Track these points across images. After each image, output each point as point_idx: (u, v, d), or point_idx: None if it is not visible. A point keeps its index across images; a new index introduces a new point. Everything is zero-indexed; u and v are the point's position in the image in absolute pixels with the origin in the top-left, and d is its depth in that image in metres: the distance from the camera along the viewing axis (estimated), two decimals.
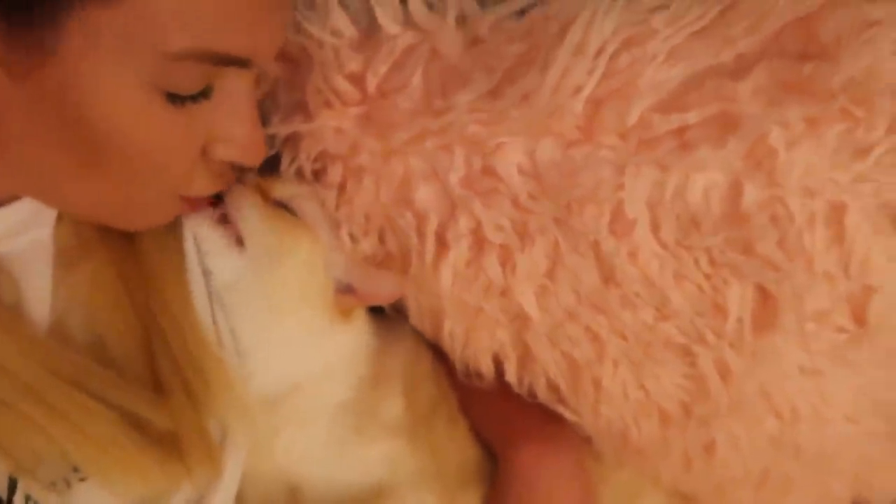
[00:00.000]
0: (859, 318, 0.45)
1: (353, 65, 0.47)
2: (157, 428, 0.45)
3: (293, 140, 0.51)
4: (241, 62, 0.39)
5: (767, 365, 0.46)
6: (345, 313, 0.53)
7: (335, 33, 0.47)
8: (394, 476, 0.53)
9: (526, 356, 0.54)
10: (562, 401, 0.54)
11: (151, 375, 0.48)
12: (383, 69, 0.47)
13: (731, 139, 0.39)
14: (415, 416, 0.56)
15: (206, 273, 0.51)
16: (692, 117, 0.40)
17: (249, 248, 0.49)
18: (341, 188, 0.52)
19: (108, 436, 0.43)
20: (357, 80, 0.47)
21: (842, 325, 0.45)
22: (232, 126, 0.42)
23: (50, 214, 0.47)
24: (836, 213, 0.41)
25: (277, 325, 0.52)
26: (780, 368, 0.47)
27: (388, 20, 0.45)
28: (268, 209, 0.49)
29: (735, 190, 0.41)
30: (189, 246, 0.50)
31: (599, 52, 0.40)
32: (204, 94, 0.39)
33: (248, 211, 0.49)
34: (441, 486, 0.53)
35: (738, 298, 0.44)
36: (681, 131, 0.41)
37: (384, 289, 0.53)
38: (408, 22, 0.46)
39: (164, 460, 0.45)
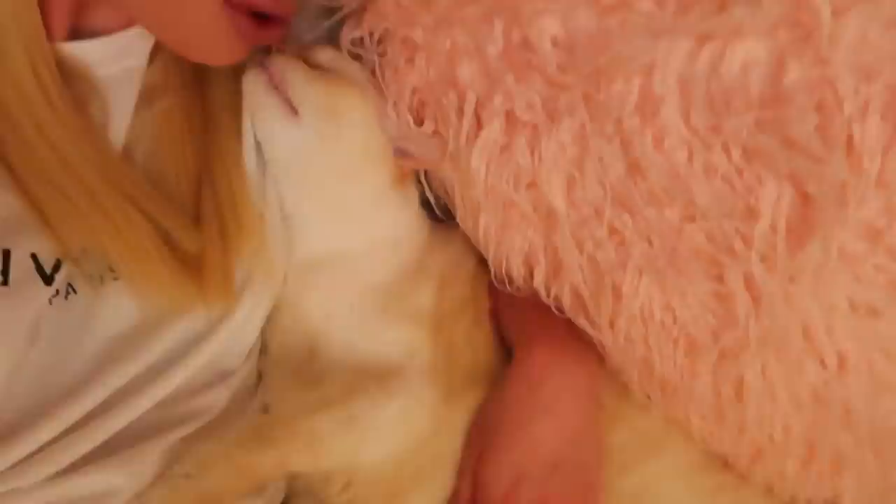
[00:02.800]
0: None
1: None
2: (187, 250, 0.49)
3: (356, 15, 0.53)
4: None
5: (806, 290, 0.41)
6: (401, 179, 0.55)
7: None
8: (406, 361, 0.53)
9: (555, 262, 0.51)
10: (585, 314, 0.51)
11: (194, 212, 0.52)
12: None
13: None
14: (441, 312, 0.56)
15: (260, 142, 0.54)
16: None
17: (305, 115, 0.51)
18: (395, 67, 0.53)
19: (144, 245, 0.48)
20: None
21: None
22: None
23: (144, 47, 0.52)
24: None
25: (339, 186, 0.54)
26: (823, 297, 0.41)
27: None
28: (313, 72, 0.51)
29: (777, 67, 0.37)
30: (246, 115, 0.54)
31: None
32: None
33: (294, 75, 0.50)
34: (446, 381, 0.53)
35: (773, 200, 0.39)
36: None
37: (434, 154, 0.53)
38: None
39: (185, 278, 0.49)
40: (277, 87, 0.52)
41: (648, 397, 0.53)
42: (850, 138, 0.36)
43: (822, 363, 0.44)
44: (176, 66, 0.53)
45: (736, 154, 0.39)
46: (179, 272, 0.48)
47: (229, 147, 0.54)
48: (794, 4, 0.35)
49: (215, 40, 0.47)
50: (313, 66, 0.52)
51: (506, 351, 0.55)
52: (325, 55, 0.53)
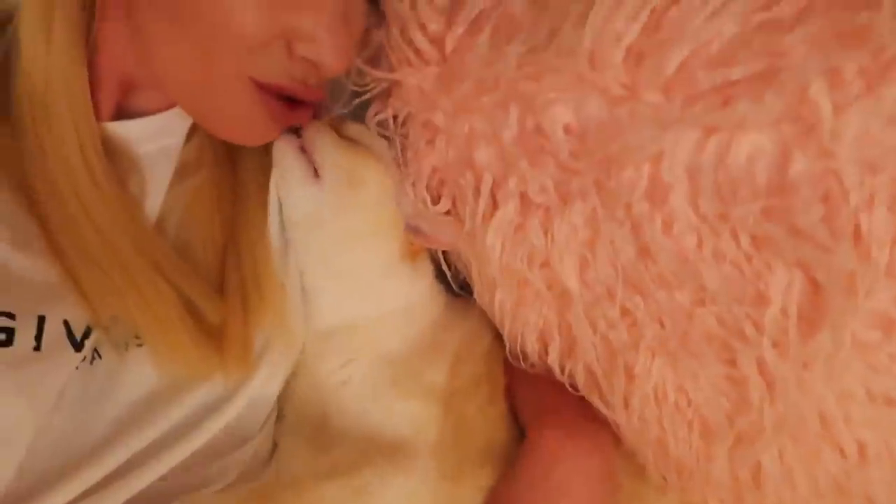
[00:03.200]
0: None
1: (434, 25, 0.50)
2: (210, 321, 0.51)
3: (381, 98, 0.56)
4: None
5: (819, 377, 0.40)
6: (412, 253, 0.56)
7: None
8: (415, 437, 0.53)
9: (569, 340, 0.52)
10: (599, 393, 0.51)
11: (219, 282, 0.54)
12: (461, 30, 0.50)
13: (769, 91, 0.36)
14: (453, 388, 0.56)
15: (283, 205, 0.56)
16: (736, 72, 0.37)
17: (326, 177, 0.53)
18: (416, 149, 0.55)
19: (170, 315, 0.49)
20: (437, 40, 0.51)
21: None
22: (314, 22, 0.44)
23: (182, 126, 0.55)
24: None
25: (349, 253, 0.56)
26: (837, 385, 0.40)
27: None
28: (341, 140, 0.54)
29: (783, 158, 0.38)
30: (273, 183, 0.56)
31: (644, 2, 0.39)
32: None
33: (323, 140, 0.53)
34: (454, 458, 0.52)
35: (783, 287, 0.39)
36: (725, 88, 0.38)
37: (446, 234, 0.54)
38: None
39: (206, 348, 0.50)
40: (306, 152, 0.54)
41: (665, 479, 0.52)
42: (857, 228, 0.36)
43: (842, 452, 0.43)
44: (210, 143, 0.57)
45: (745, 241, 0.40)
46: (202, 342, 0.50)
47: (255, 220, 0.56)
48: (796, 100, 0.36)
49: (248, 122, 0.50)
50: (343, 136, 0.55)
51: (519, 429, 0.55)
52: (354, 129, 0.56)
